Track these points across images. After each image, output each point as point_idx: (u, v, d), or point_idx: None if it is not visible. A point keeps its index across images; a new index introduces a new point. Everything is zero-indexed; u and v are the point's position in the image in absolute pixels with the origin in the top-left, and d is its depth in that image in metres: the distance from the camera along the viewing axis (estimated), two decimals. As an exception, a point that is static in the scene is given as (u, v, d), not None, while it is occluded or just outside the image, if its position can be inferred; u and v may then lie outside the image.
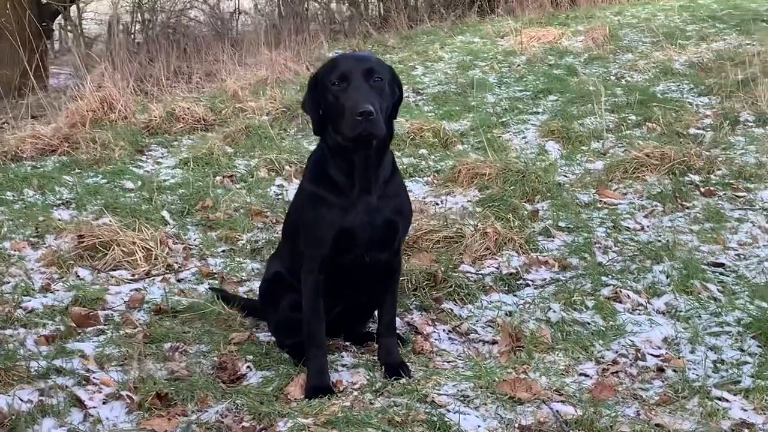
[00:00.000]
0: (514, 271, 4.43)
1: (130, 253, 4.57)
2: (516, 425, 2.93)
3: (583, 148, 6.69)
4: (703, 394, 3.13)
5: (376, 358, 3.47)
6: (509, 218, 5.05)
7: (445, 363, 3.48)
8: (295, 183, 5.94)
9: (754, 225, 5.01)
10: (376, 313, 3.58)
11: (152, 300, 4.13)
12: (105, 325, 3.85)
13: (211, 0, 15.80)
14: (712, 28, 10.98)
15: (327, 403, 3.04)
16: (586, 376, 3.34)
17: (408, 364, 3.40)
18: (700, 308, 3.92)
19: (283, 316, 3.50)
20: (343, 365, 3.47)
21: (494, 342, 3.67)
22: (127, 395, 3.10)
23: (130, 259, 4.55)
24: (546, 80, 8.96)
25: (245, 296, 4.17)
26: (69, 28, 15.37)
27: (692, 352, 3.54)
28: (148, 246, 4.62)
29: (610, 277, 4.27)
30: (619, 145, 6.67)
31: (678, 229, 4.96)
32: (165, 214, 5.29)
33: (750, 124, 6.99)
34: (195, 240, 4.97)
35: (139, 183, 5.95)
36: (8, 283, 4.25)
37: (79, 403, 3.07)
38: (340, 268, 3.25)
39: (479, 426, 2.91)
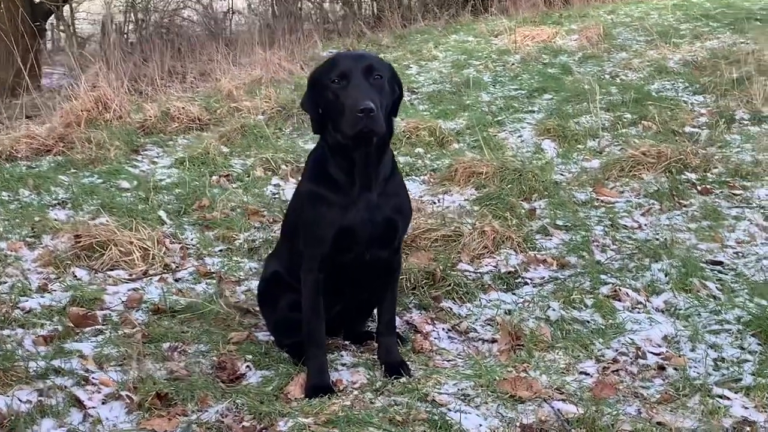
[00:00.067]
0: (513, 269, 4.43)
1: (127, 253, 4.55)
2: (517, 424, 2.92)
3: (579, 146, 6.69)
4: (704, 392, 3.13)
5: (375, 357, 3.46)
6: (507, 217, 5.04)
7: (445, 362, 3.48)
8: (292, 182, 5.94)
9: (751, 223, 5.02)
10: (375, 312, 3.57)
11: (150, 300, 4.12)
12: (103, 325, 3.83)
13: (204, 0, 15.78)
14: (705, 27, 11.00)
15: (327, 403, 3.02)
16: (587, 374, 3.34)
17: (408, 363, 3.39)
18: (700, 306, 3.93)
19: (282, 315, 3.49)
20: (343, 364, 3.46)
21: (494, 340, 3.67)
22: (127, 395, 3.08)
23: (128, 259, 4.53)
24: (541, 79, 8.96)
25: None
26: (61, 27, 15.33)
27: (692, 350, 3.54)
28: (145, 246, 4.61)
29: (608, 275, 4.27)
30: (615, 143, 6.67)
31: (676, 227, 4.97)
32: (162, 213, 5.27)
33: (745, 122, 7.01)
34: (192, 239, 4.95)
35: (135, 183, 5.92)
36: (5, 283, 4.22)
37: (79, 404, 3.05)
38: (340, 267, 3.24)
39: (480, 425, 2.90)
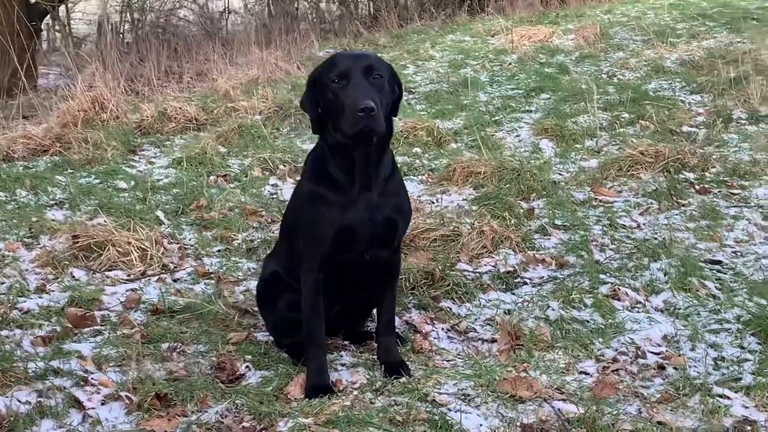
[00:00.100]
0: (512, 269, 4.42)
1: (125, 254, 4.54)
2: (518, 423, 2.92)
3: (577, 146, 6.70)
4: (704, 392, 3.13)
5: (375, 357, 3.45)
6: (505, 216, 5.04)
7: (445, 362, 3.47)
8: (290, 182, 5.93)
9: (749, 222, 5.03)
10: (374, 312, 3.56)
11: (149, 300, 4.11)
12: (102, 325, 3.82)
13: (200, 0, 15.76)
14: (702, 26, 11.03)
15: (327, 403, 3.02)
16: (587, 374, 3.34)
17: (407, 362, 3.38)
18: (699, 306, 3.93)
19: (281, 315, 3.49)
20: (343, 364, 3.45)
21: (493, 340, 3.66)
22: (126, 396, 3.08)
23: (126, 260, 4.52)
24: (538, 78, 8.96)
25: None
26: (57, 27, 15.30)
27: (692, 349, 3.54)
28: (143, 246, 4.59)
29: (607, 275, 4.27)
30: (613, 143, 6.68)
31: (674, 227, 4.97)
32: (159, 213, 5.25)
33: (743, 121, 7.02)
34: (190, 240, 4.94)
35: (133, 183, 5.90)
36: (3, 284, 4.21)
37: (78, 404, 3.05)
38: (340, 266, 3.23)
39: (481, 425, 2.90)
